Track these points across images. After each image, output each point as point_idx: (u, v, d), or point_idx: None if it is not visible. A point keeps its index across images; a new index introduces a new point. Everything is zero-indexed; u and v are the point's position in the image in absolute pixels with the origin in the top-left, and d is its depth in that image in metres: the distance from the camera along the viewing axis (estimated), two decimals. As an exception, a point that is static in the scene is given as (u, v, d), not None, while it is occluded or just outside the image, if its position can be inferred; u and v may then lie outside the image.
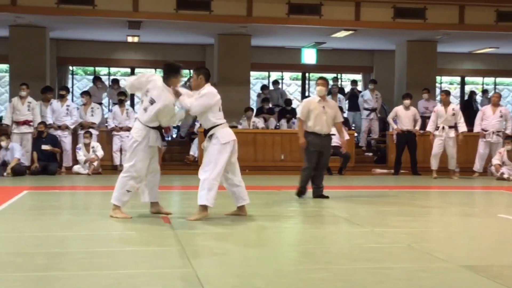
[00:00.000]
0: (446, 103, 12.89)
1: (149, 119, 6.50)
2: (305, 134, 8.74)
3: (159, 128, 6.60)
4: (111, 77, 17.96)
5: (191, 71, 19.87)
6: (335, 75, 18.83)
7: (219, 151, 6.53)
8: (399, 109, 13.67)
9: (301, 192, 8.79)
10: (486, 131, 13.35)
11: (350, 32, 15.29)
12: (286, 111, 16.16)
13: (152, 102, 6.45)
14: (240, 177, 6.85)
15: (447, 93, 13.31)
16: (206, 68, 7.04)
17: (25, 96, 12.90)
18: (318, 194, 8.72)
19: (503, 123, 13.45)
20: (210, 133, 6.62)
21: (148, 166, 6.62)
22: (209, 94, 6.62)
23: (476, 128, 13.57)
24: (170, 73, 6.57)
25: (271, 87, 17.86)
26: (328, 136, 8.80)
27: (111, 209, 6.59)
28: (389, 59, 17.75)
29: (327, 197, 8.66)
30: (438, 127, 12.81)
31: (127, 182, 6.53)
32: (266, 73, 20.14)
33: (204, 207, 6.54)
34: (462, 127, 12.75)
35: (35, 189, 9.93)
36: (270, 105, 16.53)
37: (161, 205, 6.93)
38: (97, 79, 16.74)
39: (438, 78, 18.40)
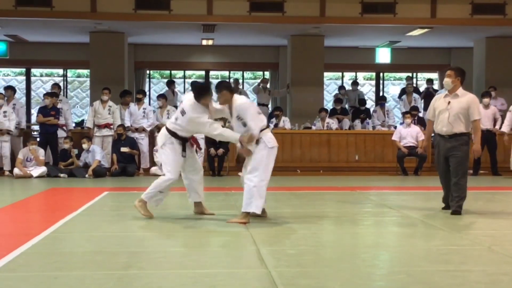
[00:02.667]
0: None
1: (178, 127, 6.61)
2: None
3: (183, 139, 6.67)
4: (186, 80, 18.29)
5: (264, 72, 19.89)
6: (409, 74, 18.48)
7: (267, 156, 6.40)
8: (478, 108, 13.26)
9: (444, 204, 7.50)
10: None
11: (426, 30, 14.98)
12: (360, 112, 15.99)
13: (183, 112, 6.57)
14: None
15: None
16: (225, 81, 6.99)
17: (107, 100, 13.33)
18: (452, 209, 7.22)
19: None
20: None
21: (183, 166, 6.75)
22: (249, 103, 6.64)
23: None
24: (200, 94, 6.52)
25: (349, 88, 17.69)
26: (455, 137, 7.22)
27: (137, 200, 6.75)
28: (467, 56, 17.26)
29: (457, 213, 7.14)
30: None
31: (160, 184, 6.69)
32: (339, 74, 20.01)
33: (247, 214, 6.41)
34: None
35: (115, 190, 10.23)
36: (347, 106, 16.39)
37: (204, 206, 7.03)
38: (171, 82, 17.09)
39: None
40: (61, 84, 18.28)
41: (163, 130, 6.80)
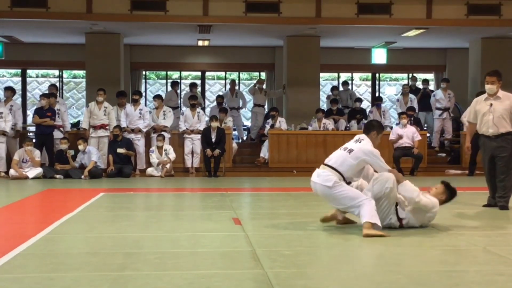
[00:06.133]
0: None
1: None
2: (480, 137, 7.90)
3: None
4: (182, 81, 18.27)
5: (261, 73, 19.86)
6: (405, 74, 18.49)
7: None
8: (473, 108, 13.31)
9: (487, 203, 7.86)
10: None
11: (422, 30, 15.01)
12: (356, 112, 16.01)
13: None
14: None
15: None
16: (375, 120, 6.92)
17: (102, 101, 13.30)
18: (499, 204, 7.64)
19: None
20: None
21: None
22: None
23: None
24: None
25: (341, 88, 17.74)
26: (502, 136, 7.60)
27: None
28: (463, 57, 17.30)
29: (505, 208, 7.55)
30: None
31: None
32: (335, 74, 20.03)
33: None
34: None
35: (111, 191, 10.22)
36: (340, 106, 16.42)
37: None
38: (175, 83, 17.09)
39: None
40: (57, 85, 18.26)
41: None
